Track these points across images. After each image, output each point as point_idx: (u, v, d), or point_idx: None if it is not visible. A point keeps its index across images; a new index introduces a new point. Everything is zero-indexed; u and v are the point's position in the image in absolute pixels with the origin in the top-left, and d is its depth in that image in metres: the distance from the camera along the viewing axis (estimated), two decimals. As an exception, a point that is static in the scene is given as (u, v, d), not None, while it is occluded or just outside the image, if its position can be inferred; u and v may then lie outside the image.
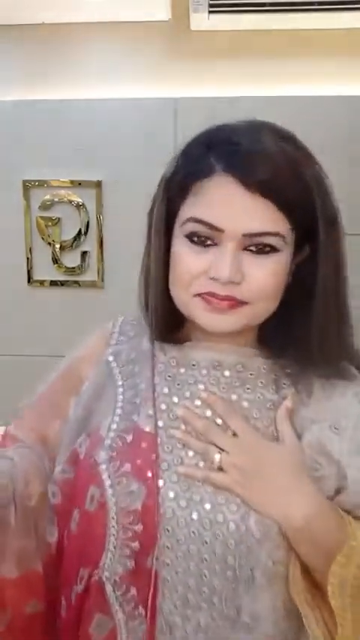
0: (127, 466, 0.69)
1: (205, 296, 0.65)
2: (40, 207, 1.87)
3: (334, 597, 0.63)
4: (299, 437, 0.69)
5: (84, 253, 1.89)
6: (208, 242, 0.64)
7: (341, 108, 1.76)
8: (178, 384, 0.73)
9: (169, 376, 0.73)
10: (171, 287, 0.69)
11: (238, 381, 0.71)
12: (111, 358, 0.79)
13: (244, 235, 0.62)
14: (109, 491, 0.68)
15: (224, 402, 0.70)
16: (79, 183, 1.85)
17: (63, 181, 1.86)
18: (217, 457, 0.67)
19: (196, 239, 0.64)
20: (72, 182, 1.85)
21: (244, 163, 0.61)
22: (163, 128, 1.77)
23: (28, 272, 1.92)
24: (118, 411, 0.74)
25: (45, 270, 1.92)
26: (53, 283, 1.93)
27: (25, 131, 1.84)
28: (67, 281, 1.92)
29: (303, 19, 1.67)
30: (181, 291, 0.67)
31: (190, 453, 0.69)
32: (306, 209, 0.64)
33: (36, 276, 1.93)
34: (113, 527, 0.67)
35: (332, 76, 1.77)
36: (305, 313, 0.68)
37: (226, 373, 0.72)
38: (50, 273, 1.92)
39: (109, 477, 0.68)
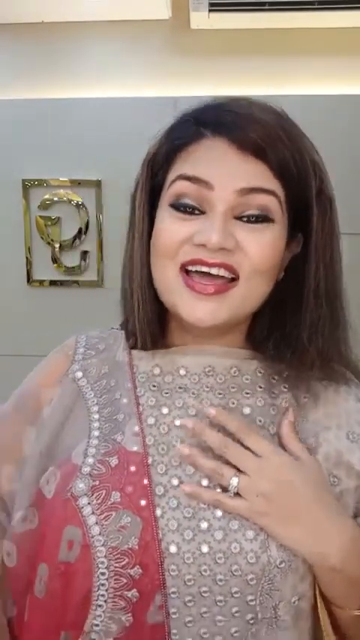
0: (116, 496, 0.57)
1: (190, 271, 0.57)
2: (39, 206, 1.87)
3: None
4: (312, 447, 0.60)
5: (84, 253, 1.89)
6: (196, 211, 0.57)
7: (342, 107, 1.76)
8: (166, 393, 0.63)
9: (153, 386, 0.63)
10: (153, 263, 0.60)
11: (235, 386, 0.62)
12: (79, 375, 0.68)
13: (237, 192, 0.55)
14: (95, 529, 0.56)
15: (238, 419, 0.59)
16: (79, 183, 1.85)
17: (62, 181, 1.85)
18: (234, 481, 0.55)
19: (182, 207, 0.57)
20: (72, 181, 1.85)
21: (234, 124, 0.56)
22: (163, 127, 1.77)
23: (28, 272, 1.91)
24: (95, 432, 0.62)
25: (45, 270, 1.92)
26: (53, 283, 1.92)
27: (24, 131, 1.83)
28: (67, 281, 1.92)
29: (303, 18, 1.67)
30: (166, 263, 0.58)
31: (189, 471, 0.58)
32: (300, 182, 0.58)
33: (36, 276, 1.92)
34: (102, 574, 0.54)
35: (332, 75, 1.77)
36: (298, 311, 0.60)
37: (220, 379, 0.62)
38: (50, 273, 1.92)
39: (93, 511, 0.56)
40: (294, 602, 0.56)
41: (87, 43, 1.82)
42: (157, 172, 0.61)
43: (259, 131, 0.55)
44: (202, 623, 0.54)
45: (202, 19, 1.69)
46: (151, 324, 0.63)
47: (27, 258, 1.91)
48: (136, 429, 0.61)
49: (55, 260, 1.90)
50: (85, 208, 1.86)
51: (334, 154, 1.82)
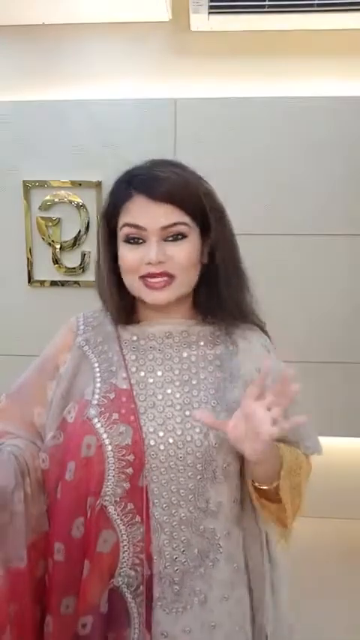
0: (115, 415, 0.91)
1: (146, 278, 0.90)
2: (40, 207, 1.88)
3: (283, 488, 0.88)
4: (239, 377, 0.94)
5: (84, 253, 1.90)
6: (140, 241, 0.90)
7: (341, 108, 1.76)
8: (142, 352, 0.97)
9: (133, 347, 0.98)
10: (123, 276, 0.93)
11: (185, 343, 0.97)
12: (83, 343, 1.00)
13: (161, 228, 0.88)
14: (105, 435, 0.90)
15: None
16: (79, 184, 1.85)
17: (63, 182, 1.86)
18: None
19: (131, 240, 0.90)
20: (72, 182, 1.86)
21: (149, 184, 0.88)
22: (163, 128, 1.77)
23: (29, 272, 1.92)
24: (98, 379, 0.95)
25: (45, 271, 1.93)
26: (53, 283, 1.93)
27: (25, 131, 1.84)
28: (67, 281, 1.93)
29: (302, 20, 1.68)
30: (131, 276, 0.91)
31: (159, 398, 0.93)
32: (198, 207, 0.90)
33: (36, 277, 1.93)
34: (111, 460, 0.89)
35: (332, 76, 1.78)
36: (219, 286, 0.94)
37: (176, 339, 0.97)
38: (50, 273, 1.92)
39: (102, 425, 0.90)
40: (225, 467, 0.92)
41: (87, 44, 1.83)
42: (110, 220, 0.93)
43: (166, 186, 0.88)
44: (171, 483, 0.90)
45: (202, 21, 1.70)
46: (122, 310, 0.98)
47: (28, 258, 1.92)
48: (124, 374, 0.95)
49: (55, 261, 1.91)
50: (86, 209, 1.87)
51: (334, 154, 1.83)
